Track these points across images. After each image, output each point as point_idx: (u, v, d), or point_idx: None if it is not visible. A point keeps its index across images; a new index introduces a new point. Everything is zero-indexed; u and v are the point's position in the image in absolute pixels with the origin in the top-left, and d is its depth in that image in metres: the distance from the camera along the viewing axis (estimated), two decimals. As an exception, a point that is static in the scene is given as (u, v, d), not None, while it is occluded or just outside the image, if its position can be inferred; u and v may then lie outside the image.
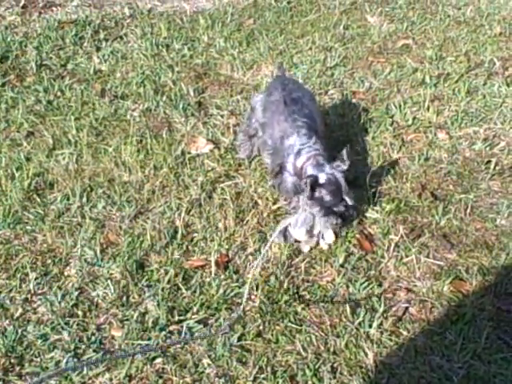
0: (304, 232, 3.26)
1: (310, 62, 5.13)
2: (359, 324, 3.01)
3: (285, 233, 3.30)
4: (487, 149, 4.13)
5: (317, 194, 3.25)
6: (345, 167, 3.29)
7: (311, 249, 3.36)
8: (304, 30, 5.64)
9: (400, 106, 4.54)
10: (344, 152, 3.29)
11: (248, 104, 4.49)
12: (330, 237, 3.32)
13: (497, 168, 3.97)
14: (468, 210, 3.64)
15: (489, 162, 4.02)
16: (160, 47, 5.41)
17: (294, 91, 3.73)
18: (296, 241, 3.34)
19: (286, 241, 3.33)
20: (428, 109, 4.50)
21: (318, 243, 3.37)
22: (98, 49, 5.46)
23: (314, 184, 3.23)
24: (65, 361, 2.85)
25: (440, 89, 4.76)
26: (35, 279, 3.26)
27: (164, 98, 4.70)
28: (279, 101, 3.65)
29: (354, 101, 4.66)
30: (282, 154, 3.51)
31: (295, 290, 3.18)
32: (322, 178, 3.25)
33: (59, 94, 4.85)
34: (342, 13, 5.99)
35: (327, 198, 3.24)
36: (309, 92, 3.98)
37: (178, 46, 5.42)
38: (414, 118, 4.43)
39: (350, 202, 3.27)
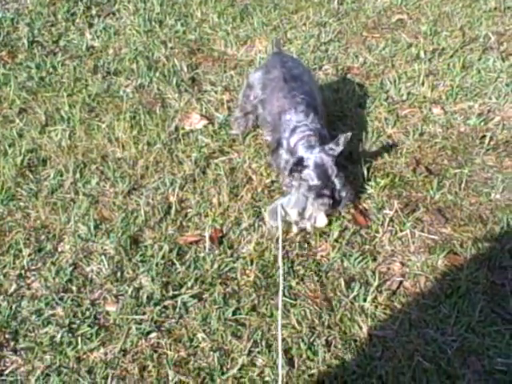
0: (296, 213, 3.24)
1: (305, 37, 5.09)
2: (353, 298, 3.02)
3: (273, 213, 3.28)
4: (482, 123, 4.11)
5: (303, 176, 3.23)
6: (337, 151, 3.24)
7: (300, 231, 3.34)
8: (298, 6, 5.58)
9: (395, 81, 4.51)
10: (341, 137, 3.24)
11: (242, 80, 4.47)
12: (321, 220, 3.30)
13: (491, 143, 3.95)
14: (462, 185, 3.64)
15: (483, 136, 4.00)
16: (153, 23, 5.35)
17: (293, 68, 3.71)
18: (286, 221, 3.32)
19: (275, 221, 3.29)
20: (423, 84, 4.47)
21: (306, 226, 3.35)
22: (91, 25, 5.41)
23: (299, 165, 3.21)
24: (59, 336, 2.85)
25: (435, 64, 4.73)
26: (29, 255, 3.25)
27: (157, 74, 4.67)
28: (279, 77, 3.63)
29: (348, 76, 4.63)
30: (279, 129, 3.49)
31: (290, 265, 3.17)
32: (309, 161, 3.22)
33: (51, 70, 4.81)
34: (337, -12, 5.94)
35: (314, 180, 3.21)
36: (307, 70, 3.95)
37: (171, 22, 5.37)
38: (409, 93, 4.40)
39: (338, 185, 3.22)
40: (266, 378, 2.69)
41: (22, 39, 5.17)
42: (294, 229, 3.32)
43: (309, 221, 3.29)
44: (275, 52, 3.96)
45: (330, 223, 3.34)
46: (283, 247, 3.25)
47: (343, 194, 3.24)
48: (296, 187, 3.27)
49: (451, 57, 4.79)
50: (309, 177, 3.21)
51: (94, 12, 5.58)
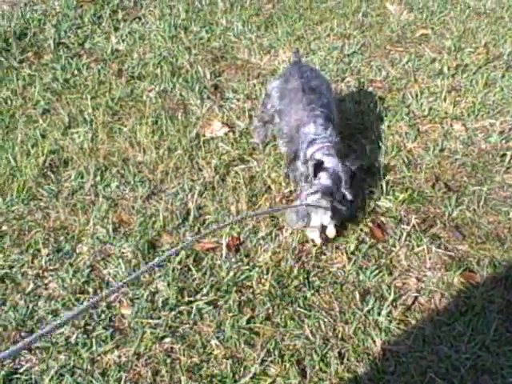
0: (301, 225, 3.23)
1: (328, 48, 5.11)
2: (368, 311, 3.02)
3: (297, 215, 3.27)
4: (503, 141, 4.11)
5: (318, 179, 3.23)
6: (352, 169, 3.28)
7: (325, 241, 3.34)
8: (323, 17, 5.62)
9: (416, 95, 4.52)
10: (354, 156, 3.29)
11: (265, 89, 4.49)
12: (330, 231, 3.30)
13: (512, 161, 3.95)
14: (481, 203, 3.63)
15: (504, 155, 3.99)
16: (178, 29, 5.40)
17: (312, 79, 3.71)
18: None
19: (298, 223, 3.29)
20: (445, 99, 4.47)
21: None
22: (116, 29, 5.47)
23: (318, 166, 3.22)
24: (74, 336, 2.87)
25: (457, 80, 4.73)
26: (47, 255, 3.29)
27: (180, 80, 4.71)
28: (297, 89, 3.64)
29: (370, 89, 4.64)
30: (297, 141, 3.50)
31: (305, 276, 3.18)
32: (327, 163, 3.24)
33: (76, 72, 4.87)
34: (362, 0, 5.95)
35: (327, 182, 3.21)
36: (326, 80, 3.96)
37: (196, 29, 5.42)
38: (430, 109, 4.41)
39: (348, 196, 3.24)
40: (278, 388, 2.71)
41: (48, 40, 5.23)
42: (317, 240, 3.33)
43: (318, 231, 3.29)
44: (294, 61, 3.98)
45: (343, 235, 3.35)
46: (299, 258, 3.26)
47: (348, 205, 3.25)
48: (304, 192, 3.27)
49: (474, 73, 4.79)
50: (324, 178, 3.21)
51: (120, 16, 5.64)
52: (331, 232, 3.27)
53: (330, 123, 3.50)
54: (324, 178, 3.21)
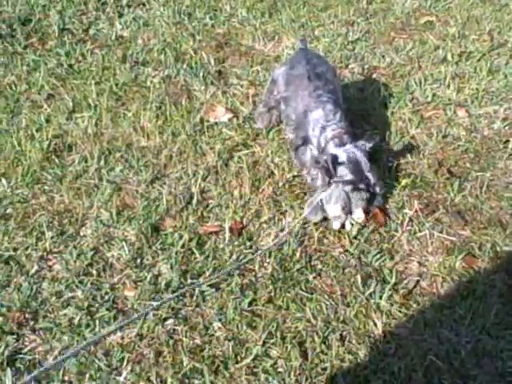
0: (339, 208, 3.25)
1: (332, 35, 5.10)
2: (370, 295, 3.03)
3: (316, 209, 3.31)
4: (506, 128, 4.11)
5: (338, 173, 3.26)
6: (369, 146, 3.31)
7: (342, 226, 3.36)
8: (327, 3, 5.61)
9: (420, 82, 4.51)
10: (369, 133, 3.33)
11: (268, 75, 4.49)
12: (359, 215, 3.32)
13: (515, 148, 3.96)
14: (484, 188, 3.63)
15: (507, 141, 3.99)
16: (182, 15, 5.40)
17: (317, 66, 3.72)
18: (325, 218, 3.35)
19: (316, 217, 3.34)
20: (448, 86, 4.47)
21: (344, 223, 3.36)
22: (121, 15, 5.47)
23: (335, 162, 3.24)
24: (78, 318, 2.90)
25: (461, 67, 4.72)
26: (51, 238, 3.31)
27: (184, 66, 4.71)
28: (303, 75, 3.64)
29: (374, 76, 4.64)
30: (305, 127, 3.52)
31: (307, 259, 3.20)
32: (343, 157, 3.26)
33: (80, 58, 4.87)
34: (366, -13, 5.94)
35: (348, 176, 3.24)
36: (332, 67, 3.96)
37: (200, 15, 5.42)
38: (434, 95, 4.40)
39: (372, 179, 3.26)
40: (280, 369, 2.72)
41: (52, 26, 5.24)
42: (336, 225, 3.34)
43: (347, 217, 3.32)
44: (300, 48, 3.97)
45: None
46: (302, 242, 3.28)
47: (377, 188, 3.28)
48: (336, 184, 3.28)
49: (478, 60, 4.78)
50: (343, 172, 3.24)
51: (124, 2, 5.64)
52: (360, 216, 3.31)
53: (338, 108, 3.52)
54: (345, 172, 3.24)
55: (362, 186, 3.24)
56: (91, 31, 5.24)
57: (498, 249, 3.29)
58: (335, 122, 3.44)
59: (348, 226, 3.34)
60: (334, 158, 3.24)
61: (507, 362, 2.78)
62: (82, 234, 3.36)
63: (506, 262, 3.23)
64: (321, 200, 3.27)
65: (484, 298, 3.03)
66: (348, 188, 3.24)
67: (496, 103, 4.34)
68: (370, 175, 3.25)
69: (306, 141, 3.50)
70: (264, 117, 3.97)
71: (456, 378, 2.71)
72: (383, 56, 4.87)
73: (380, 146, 3.44)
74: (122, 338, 2.84)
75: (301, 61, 3.75)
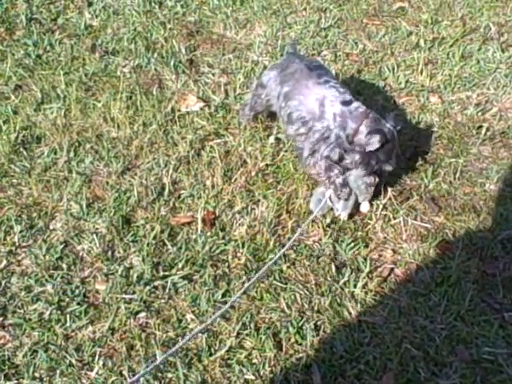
0: (368, 204, 3.33)
1: (304, 22, 5.05)
2: (344, 283, 3.02)
3: (325, 204, 3.28)
4: (479, 114, 4.10)
5: (370, 140, 3.17)
6: (398, 127, 3.29)
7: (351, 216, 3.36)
8: (299, -10, 5.56)
9: (393, 68, 4.49)
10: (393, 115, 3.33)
11: (240, 63, 4.50)
12: (365, 206, 3.34)
13: (488, 133, 3.95)
14: (457, 174, 3.63)
15: (480, 127, 3.99)
16: (152, 4, 5.30)
17: (313, 61, 3.67)
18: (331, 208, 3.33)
19: (323, 211, 3.32)
20: (421, 72, 4.45)
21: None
22: (90, 4, 5.35)
23: (383, 139, 3.16)
24: (48, 313, 2.84)
25: (434, 53, 4.71)
26: (20, 232, 3.25)
27: (155, 55, 4.64)
28: (301, 68, 3.49)
29: (347, 62, 4.61)
30: (324, 116, 3.32)
31: (281, 249, 3.17)
32: (388, 134, 3.21)
33: (49, 48, 4.77)
34: (339, -26, 5.90)
35: (381, 156, 3.21)
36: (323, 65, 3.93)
37: (171, 3, 5.32)
38: (407, 82, 4.39)
39: (394, 164, 3.27)
40: (254, 361, 2.70)
41: (20, 16, 5.12)
42: (343, 216, 3.31)
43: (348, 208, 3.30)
44: (289, 52, 3.84)
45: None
46: (275, 232, 3.25)
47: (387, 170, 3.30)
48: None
49: (451, 46, 4.77)
50: (376, 141, 3.15)
51: (93, -9, 5.54)
52: (366, 207, 3.33)
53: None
54: (376, 140, 3.16)
55: (387, 167, 3.26)
56: (60, 20, 5.13)
57: (472, 235, 3.29)
58: (356, 105, 3.29)
59: (345, 217, 3.32)
60: (384, 135, 3.18)
61: (482, 348, 2.78)
62: (51, 227, 3.30)
63: (479, 247, 3.23)
64: (329, 197, 3.25)
65: (458, 284, 3.04)
66: (362, 168, 3.21)
67: (469, 89, 4.33)
68: (395, 159, 3.27)
69: (325, 131, 3.33)
70: (249, 118, 3.88)
71: (431, 365, 2.72)
72: (356, 43, 4.83)
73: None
74: (94, 332, 2.80)
75: (294, 60, 3.60)
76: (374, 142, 3.14)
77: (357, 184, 3.23)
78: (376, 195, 3.42)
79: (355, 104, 3.29)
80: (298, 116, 3.41)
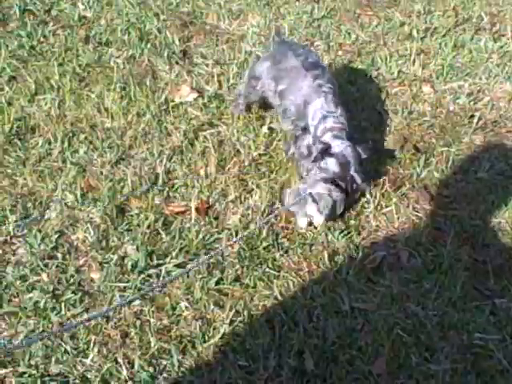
0: (323, 218, 3.25)
1: (297, 13, 5.06)
2: (337, 271, 3.05)
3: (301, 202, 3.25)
4: (471, 103, 4.14)
5: (326, 164, 3.21)
6: (362, 156, 3.27)
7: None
8: (292, -19, 5.57)
9: (386, 58, 4.52)
10: (366, 145, 3.34)
11: (234, 54, 4.51)
12: (319, 221, 3.28)
13: (480, 122, 3.98)
14: (449, 163, 3.66)
15: (472, 116, 4.03)
16: (146, -5, 5.32)
17: (307, 55, 3.62)
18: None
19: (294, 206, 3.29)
20: (414, 62, 4.48)
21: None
22: (83, -5, 5.37)
23: (325, 152, 3.20)
24: (43, 301, 2.86)
25: (427, 43, 4.73)
26: (15, 222, 3.25)
27: (149, 46, 4.64)
28: (297, 67, 3.52)
29: (340, 53, 4.63)
30: (306, 117, 3.42)
31: (274, 237, 3.19)
32: (336, 149, 3.22)
33: (42, 39, 4.77)
34: (332, -35, 5.90)
35: (335, 168, 3.20)
36: (317, 54, 3.94)
37: (165, -6, 5.34)
38: (400, 71, 4.41)
39: (357, 180, 3.23)
40: (247, 347, 2.72)
41: (13, 7, 5.11)
42: (319, 220, 3.28)
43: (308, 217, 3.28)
44: (278, 41, 3.86)
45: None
46: (268, 220, 3.27)
47: (358, 189, 3.30)
48: (320, 179, 3.23)
49: (443, 36, 4.79)
50: (331, 165, 3.20)
51: (86, -18, 5.53)
52: (319, 222, 3.27)
53: (338, 100, 3.45)
54: (332, 164, 3.20)
55: (342, 184, 3.20)
56: (53, 12, 5.13)
57: (464, 222, 3.32)
58: (336, 115, 3.36)
59: (303, 226, 3.28)
60: (327, 147, 3.21)
61: (473, 334, 2.82)
62: (46, 217, 3.31)
63: (471, 235, 3.27)
64: (310, 194, 3.22)
65: (450, 271, 3.07)
66: (327, 184, 3.20)
67: (461, 78, 4.36)
68: (355, 175, 3.22)
69: (305, 130, 3.42)
70: (242, 108, 3.91)
71: (422, 351, 2.75)
72: (349, 33, 4.85)
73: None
74: (89, 320, 2.81)
75: (286, 53, 3.62)
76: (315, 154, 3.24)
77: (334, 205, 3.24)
78: (369, 183, 3.45)
79: (332, 119, 3.33)
80: (290, 114, 3.53)
